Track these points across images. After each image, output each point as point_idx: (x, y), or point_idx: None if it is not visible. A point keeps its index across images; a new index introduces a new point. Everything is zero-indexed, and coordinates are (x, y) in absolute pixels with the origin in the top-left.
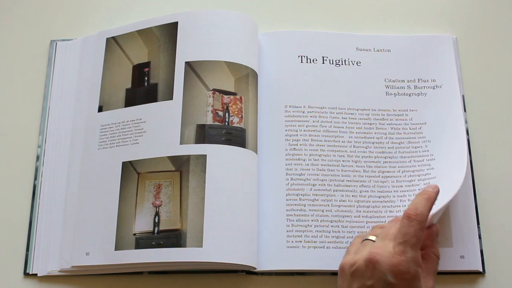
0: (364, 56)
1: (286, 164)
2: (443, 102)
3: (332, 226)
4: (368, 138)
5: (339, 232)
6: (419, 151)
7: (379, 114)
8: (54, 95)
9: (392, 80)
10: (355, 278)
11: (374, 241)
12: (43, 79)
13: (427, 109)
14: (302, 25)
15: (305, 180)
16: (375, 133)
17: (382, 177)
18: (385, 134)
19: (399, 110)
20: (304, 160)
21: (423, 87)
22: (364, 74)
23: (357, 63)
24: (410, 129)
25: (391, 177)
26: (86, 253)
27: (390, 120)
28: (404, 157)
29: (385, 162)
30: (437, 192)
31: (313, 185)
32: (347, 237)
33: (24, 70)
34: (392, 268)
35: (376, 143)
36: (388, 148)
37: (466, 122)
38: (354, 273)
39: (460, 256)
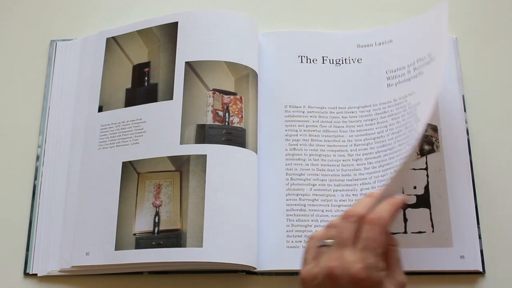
0: (366, 52)
1: (286, 164)
2: (435, 75)
3: None
4: (369, 134)
5: None
6: (413, 134)
7: (380, 108)
8: (54, 95)
9: (393, 71)
10: None
11: (331, 246)
12: (43, 79)
13: (422, 88)
14: (302, 25)
15: (305, 180)
16: (376, 128)
17: (382, 170)
18: (386, 127)
19: (399, 98)
20: (304, 160)
21: (420, 66)
22: (365, 70)
23: (358, 60)
24: (407, 114)
25: (389, 168)
26: (86, 253)
27: (391, 111)
28: (401, 144)
29: (385, 155)
30: (404, 201)
31: (313, 185)
32: None
33: (24, 70)
34: (353, 279)
35: (377, 137)
36: (389, 140)
37: (466, 122)
38: None
39: (460, 256)
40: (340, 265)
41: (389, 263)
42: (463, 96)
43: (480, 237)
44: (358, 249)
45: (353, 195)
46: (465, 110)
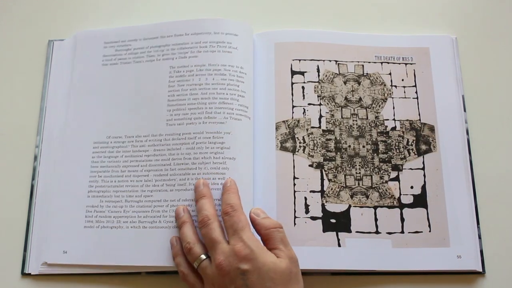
0: None
1: None
2: None
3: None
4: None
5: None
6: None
7: None
8: (50, 95)
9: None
10: None
11: (206, 258)
12: (41, 79)
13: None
14: (301, 24)
15: None
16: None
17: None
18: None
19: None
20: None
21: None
22: None
23: None
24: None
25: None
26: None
27: None
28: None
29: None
30: (235, 183)
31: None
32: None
33: (22, 70)
34: (237, 254)
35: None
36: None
37: (466, 122)
38: None
39: (457, 256)
40: (223, 257)
41: (273, 243)
42: (463, 96)
43: (480, 237)
44: (230, 236)
45: None
46: (465, 110)
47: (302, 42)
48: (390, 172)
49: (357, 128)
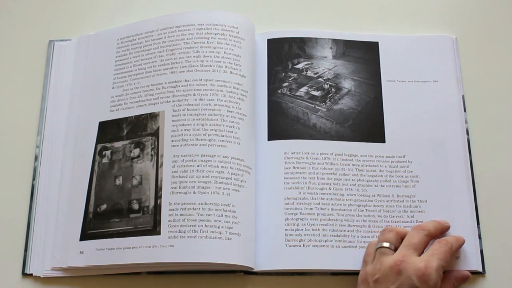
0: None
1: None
2: None
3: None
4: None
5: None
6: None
7: None
8: (51, 96)
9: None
10: (378, 285)
11: (388, 247)
12: (42, 80)
13: None
14: (301, 24)
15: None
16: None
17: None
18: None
19: None
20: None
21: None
22: None
23: None
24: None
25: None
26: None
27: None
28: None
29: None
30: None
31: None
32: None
33: (23, 70)
34: (418, 272)
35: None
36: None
37: (466, 122)
38: (378, 280)
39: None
40: (407, 260)
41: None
42: (463, 96)
43: (480, 237)
44: (425, 254)
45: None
46: (465, 110)
47: None
48: None
49: None
